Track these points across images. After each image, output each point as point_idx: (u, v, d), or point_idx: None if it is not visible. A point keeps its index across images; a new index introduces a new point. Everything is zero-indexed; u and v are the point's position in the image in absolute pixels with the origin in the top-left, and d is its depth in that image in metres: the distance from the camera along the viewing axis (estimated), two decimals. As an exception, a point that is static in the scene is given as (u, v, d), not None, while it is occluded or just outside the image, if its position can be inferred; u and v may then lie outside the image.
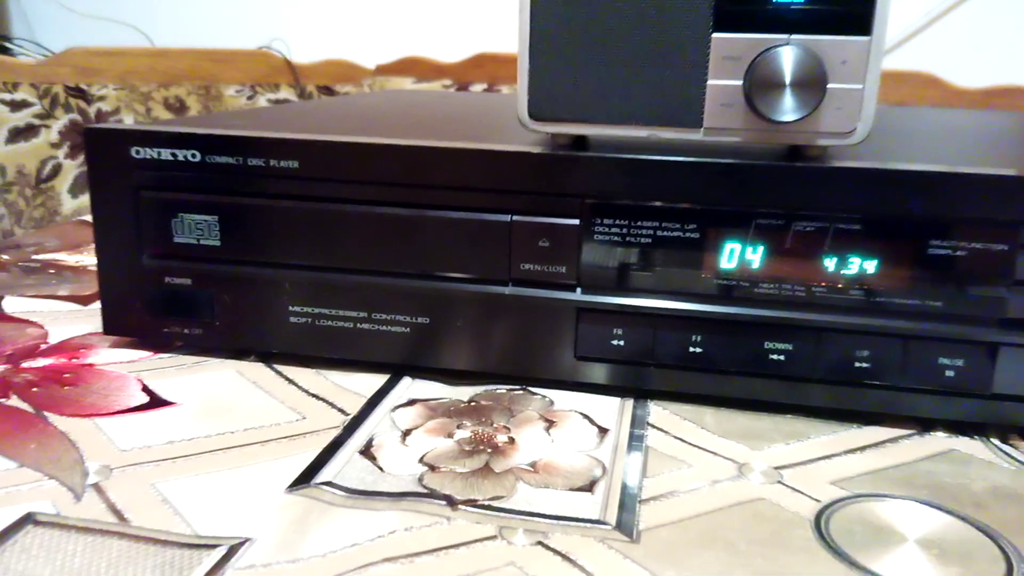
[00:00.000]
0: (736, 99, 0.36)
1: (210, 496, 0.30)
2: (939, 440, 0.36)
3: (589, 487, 0.32)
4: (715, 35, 0.35)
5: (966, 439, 0.37)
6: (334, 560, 0.26)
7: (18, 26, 1.59)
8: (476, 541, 0.28)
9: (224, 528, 0.28)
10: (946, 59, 1.37)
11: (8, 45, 1.46)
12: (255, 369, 0.42)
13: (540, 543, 0.28)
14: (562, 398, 0.39)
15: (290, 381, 0.40)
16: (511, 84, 1.24)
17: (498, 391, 0.40)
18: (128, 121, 1.28)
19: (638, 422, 0.37)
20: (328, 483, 0.31)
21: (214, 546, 0.27)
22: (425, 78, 1.36)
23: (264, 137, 0.39)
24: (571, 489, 0.32)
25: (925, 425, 0.37)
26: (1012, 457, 0.35)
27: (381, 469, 0.32)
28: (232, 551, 0.27)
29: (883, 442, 0.36)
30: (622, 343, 0.39)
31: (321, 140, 0.39)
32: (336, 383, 0.40)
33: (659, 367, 0.39)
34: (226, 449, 0.34)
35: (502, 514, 0.30)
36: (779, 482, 0.33)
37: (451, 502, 0.30)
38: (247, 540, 0.27)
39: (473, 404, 0.39)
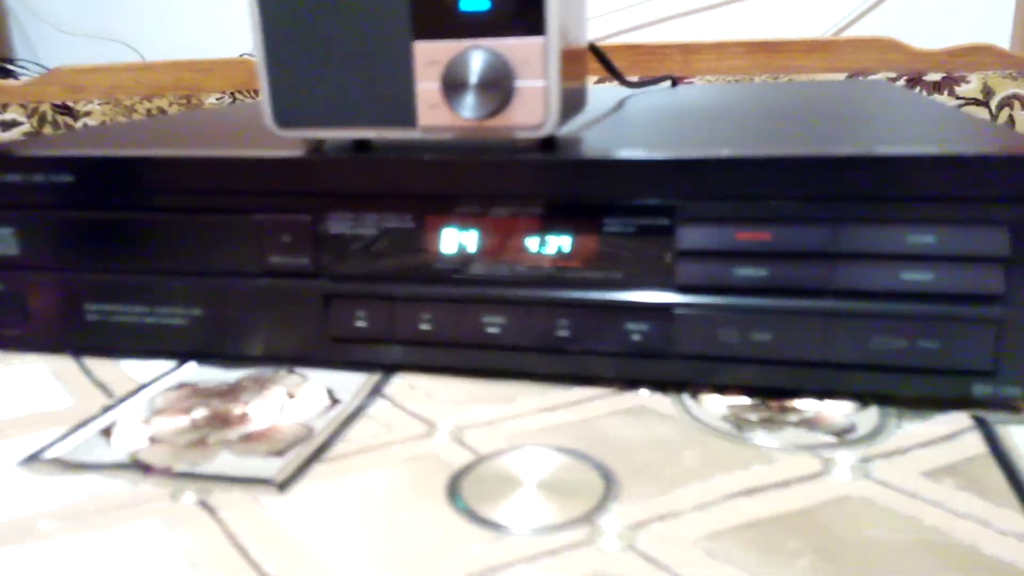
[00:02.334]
0: (442, 100, 0.40)
1: (-50, 472, 0.35)
2: (636, 398, 0.40)
3: (285, 451, 0.36)
4: (416, 43, 0.39)
5: (661, 395, 0.40)
6: None
7: (21, 49, 1.67)
8: (144, 503, 0.32)
9: (-56, 498, 0.33)
10: (907, 23, 1.37)
11: (11, 68, 1.54)
12: (62, 362, 0.47)
13: (201, 502, 0.32)
14: (320, 376, 0.44)
15: (87, 372, 0.46)
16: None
17: (264, 372, 0.45)
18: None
19: (374, 393, 0.42)
20: (57, 459, 0.36)
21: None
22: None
23: (41, 156, 0.44)
24: (269, 454, 0.36)
25: (631, 385, 0.41)
26: (687, 411, 0.38)
27: (110, 445, 0.37)
28: (-63, 516, 0.32)
29: (580, 401, 0.40)
30: (366, 324, 0.43)
31: (90, 156, 0.44)
32: (125, 372, 0.45)
33: (399, 344, 0.43)
34: (-13, 433, 0.39)
35: (186, 479, 0.34)
36: (457, 440, 0.37)
37: (146, 471, 0.35)
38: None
39: (235, 385, 0.43)
